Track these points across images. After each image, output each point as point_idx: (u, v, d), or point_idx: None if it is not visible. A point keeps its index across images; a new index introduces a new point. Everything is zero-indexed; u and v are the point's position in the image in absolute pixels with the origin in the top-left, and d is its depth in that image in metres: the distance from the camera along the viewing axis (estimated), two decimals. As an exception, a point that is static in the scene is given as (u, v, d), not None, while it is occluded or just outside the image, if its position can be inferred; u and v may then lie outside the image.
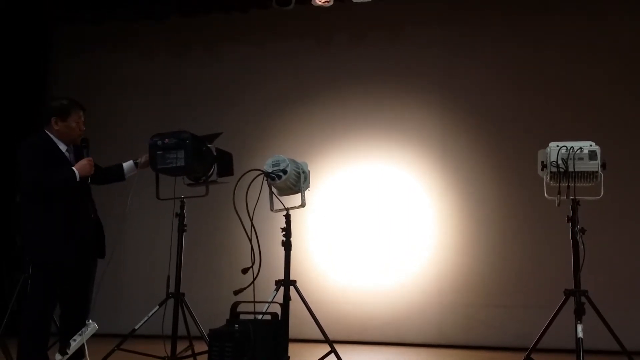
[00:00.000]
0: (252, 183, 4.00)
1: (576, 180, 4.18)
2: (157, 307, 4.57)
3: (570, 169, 4.14)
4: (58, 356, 3.87)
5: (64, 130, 4.10)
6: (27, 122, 6.90)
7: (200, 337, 4.45)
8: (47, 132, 4.09)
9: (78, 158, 4.12)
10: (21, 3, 7.07)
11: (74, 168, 4.00)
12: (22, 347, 3.94)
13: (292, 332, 4.21)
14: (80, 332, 3.91)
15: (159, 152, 4.24)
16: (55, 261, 3.92)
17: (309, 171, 4.37)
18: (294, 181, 4.24)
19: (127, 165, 4.43)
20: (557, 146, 4.19)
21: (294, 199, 4.35)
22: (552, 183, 4.26)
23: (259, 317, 3.87)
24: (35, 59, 7.67)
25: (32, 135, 4.12)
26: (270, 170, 4.18)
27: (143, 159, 4.42)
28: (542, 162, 4.25)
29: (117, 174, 4.42)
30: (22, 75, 7.46)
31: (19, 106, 7.24)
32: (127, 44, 7.77)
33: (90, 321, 3.97)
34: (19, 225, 4.07)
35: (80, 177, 3.99)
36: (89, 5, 7.16)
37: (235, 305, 3.77)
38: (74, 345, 3.88)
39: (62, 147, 4.11)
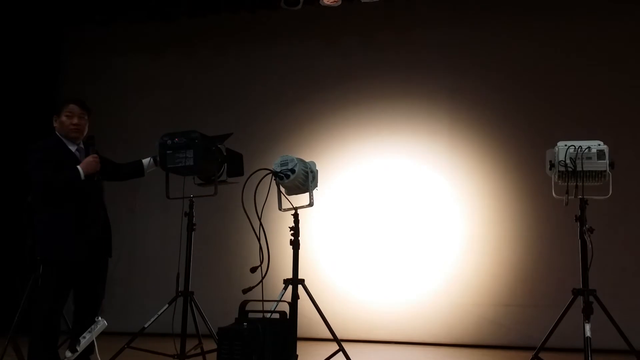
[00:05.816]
0: (261, 182, 4.02)
1: (584, 179, 4.17)
2: (167, 305, 4.58)
3: (579, 168, 4.12)
4: (68, 353, 3.91)
5: (59, 126, 4.15)
6: (38, 124, 6.95)
7: (210, 336, 4.47)
8: (57, 134, 4.15)
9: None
10: (32, 5, 7.12)
11: (78, 167, 4.00)
12: (32, 345, 3.98)
13: (301, 330, 4.23)
14: (89, 330, 3.95)
15: (168, 152, 4.24)
16: (66, 260, 3.95)
17: (317, 170, 4.37)
18: (302, 180, 4.25)
19: (147, 161, 4.46)
20: (565, 145, 4.17)
21: (302, 199, 4.36)
22: (560, 182, 4.24)
23: (268, 315, 3.88)
24: (46, 61, 7.73)
25: (43, 138, 4.18)
26: (278, 170, 4.18)
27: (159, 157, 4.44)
28: (550, 161, 4.23)
29: (137, 169, 4.45)
30: (33, 77, 7.51)
31: (31, 108, 7.30)
32: (137, 45, 7.82)
33: (100, 318, 4.01)
34: (30, 226, 4.11)
35: (85, 175, 3.98)
36: (99, 7, 7.21)
37: (243, 303, 3.78)
38: (84, 342, 3.92)
39: (72, 148, 4.13)
